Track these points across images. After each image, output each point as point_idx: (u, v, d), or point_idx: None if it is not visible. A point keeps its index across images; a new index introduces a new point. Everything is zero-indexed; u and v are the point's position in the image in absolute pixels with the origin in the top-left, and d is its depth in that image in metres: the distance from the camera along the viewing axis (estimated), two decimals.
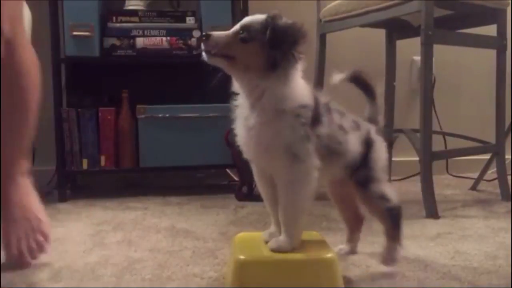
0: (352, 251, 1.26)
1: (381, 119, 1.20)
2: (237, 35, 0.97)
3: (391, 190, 1.14)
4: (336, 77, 1.15)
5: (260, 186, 1.07)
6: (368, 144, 1.12)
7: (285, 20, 0.97)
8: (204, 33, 0.97)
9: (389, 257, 1.14)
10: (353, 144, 1.08)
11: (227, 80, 1.03)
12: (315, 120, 1.00)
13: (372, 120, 1.18)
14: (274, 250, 0.99)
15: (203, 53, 0.97)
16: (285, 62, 0.95)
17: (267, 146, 0.97)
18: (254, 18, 0.98)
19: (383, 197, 1.12)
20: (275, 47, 0.94)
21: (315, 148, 0.99)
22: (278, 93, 0.96)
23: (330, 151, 1.03)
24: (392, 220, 1.13)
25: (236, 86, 1.02)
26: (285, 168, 0.97)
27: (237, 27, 0.98)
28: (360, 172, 1.10)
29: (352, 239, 1.27)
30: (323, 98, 1.05)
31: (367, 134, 1.12)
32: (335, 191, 1.22)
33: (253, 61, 0.96)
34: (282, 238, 1.00)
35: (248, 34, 0.96)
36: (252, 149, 1.00)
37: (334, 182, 1.18)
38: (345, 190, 1.17)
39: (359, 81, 1.17)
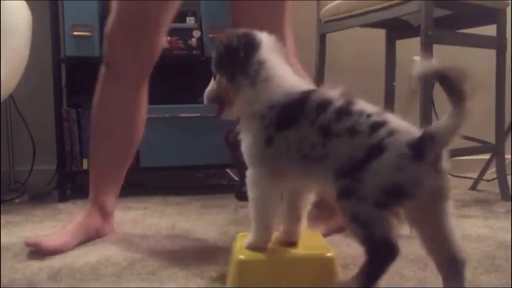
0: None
1: (454, 134, 0.85)
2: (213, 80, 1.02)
3: (377, 216, 0.85)
4: (420, 67, 0.88)
5: None
6: (373, 152, 0.85)
7: (221, 39, 0.99)
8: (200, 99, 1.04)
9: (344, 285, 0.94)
10: (339, 148, 0.88)
11: None
12: (285, 121, 0.93)
13: (434, 132, 0.84)
14: (246, 248, 1.01)
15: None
16: (240, 69, 0.96)
17: (243, 154, 1.01)
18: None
19: (358, 220, 0.86)
20: (220, 65, 0.99)
21: (280, 152, 0.94)
22: (246, 99, 0.97)
23: (303, 156, 0.91)
24: (371, 254, 0.86)
25: None
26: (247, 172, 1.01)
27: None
28: (344, 181, 0.86)
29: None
30: (324, 96, 0.93)
31: (379, 141, 0.85)
32: None
33: (226, 89, 0.99)
34: (249, 236, 1.02)
35: (213, 71, 1.01)
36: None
37: None
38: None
39: (447, 81, 0.86)
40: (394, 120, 0.88)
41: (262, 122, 0.95)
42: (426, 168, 0.84)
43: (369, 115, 0.88)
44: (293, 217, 1.04)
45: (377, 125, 0.86)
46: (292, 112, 0.93)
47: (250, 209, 1.01)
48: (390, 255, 0.86)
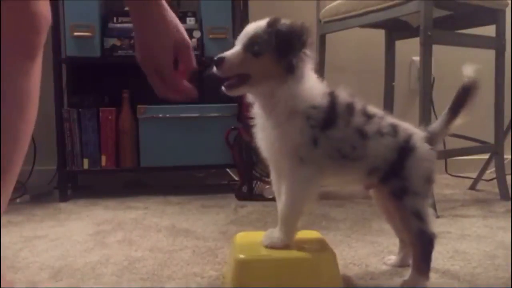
0: (402, 263, 1.16)
1: (445, 134, 1.10)
2: (247, 50, 0.96)
3: (429, 211, 1.03)
4: (469, 70, 1.11)
5: (275, 185, 1.07)
6: (405, 151, 1.02)
7: (284, 22, 0.97)
8: (216, 57, 0.96)
9: None
10: (375, 149, 1.00)
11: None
12: (328, 122, 0.97)
13: (435, 131, 1.08)
14: (266, 246, 1.00)
15: (223, 87, 0.97)
16: (300, 63, 0.96)
17: (278, 148, 0.98)
18: (257, 27, 0.97)
19: (418, 215, 1.01)
20: (286, 52, 0.94)
21: (325, 152, 0.97)
22: (292, 95, 0.96)
23: (343, 156, 0.99)
24: (423, 245, 1.02)
25: (250, 97, 1.02)
26: (291, 170, 0.98)
27: (244, 40, 0.97)
28: (395, 182, 1.01)
29: (402, 250, 1.17)
30: (345, 98, 1.01)
31: (405, 141, 1.02)
32: (379, 200, 1.12)
33: (269, 72, 0.96)
34: (276, 234, 1.01)
35: (259, 46, 0.95)
36: (266, 150, 1.02)
37: (377, 191, 1.10)
38: (386, 200, 1.07)
39: (466, 92, 1.09)
40: (396, 120, 1.05)
41: (308, 122, 0.96)
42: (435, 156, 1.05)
43: (382, 117, 1.03)
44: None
45: (395, 127, 1.03)
46: (332, 114, 0.98)
47: (286, 208, 1.00)
48: (433, 246, 1.03)
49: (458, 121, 1.07)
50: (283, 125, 0.97)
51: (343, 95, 1.01)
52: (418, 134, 1.05)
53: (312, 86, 0.98)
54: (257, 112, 1.02)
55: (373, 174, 1.02)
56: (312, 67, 0.99)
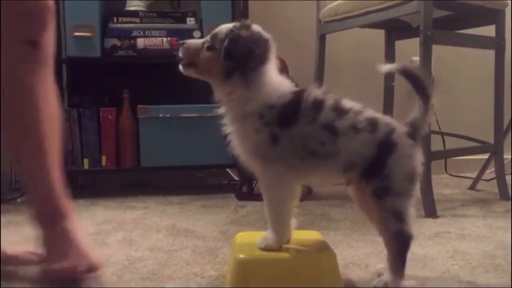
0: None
1: (427, 123, 1.04)
2: (204, 43, 1.02)
3: (410, 212, 0.99)
4: (384, 67, 1.05)
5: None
6: (385, 148, 0.98)
7: (248, 31, 0.99)
8: (181, 41, 1.04)
9: None
10: (349, 146, 0.97)
11: None
12: (287, 119, 0.97)
13: (415, 123, 1.02)
14: (262, 249, 1.00)
15: (180, 64, 1.03)
16: (241, 70, 0.97)
17: (241, 150, 1.01)
18: (225, 27, 1.01)
19: (398, 215, 0.98)
20: (229, 57, 0.97)
21: (288, 149, 0.97)
22: (241, 97, 0.98)
23: (311, 152, 0.97)
24: (399, 245, 0.99)
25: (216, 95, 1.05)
26: (259, 169, 1.01)
27: (209, 35, 1.02)
28: (376, 181, 0.98)
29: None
30: (315, 95, 0.99)
31: (386, 136, 0.98)
32: (359, 199, 1.07)
33: (211, 69, 1.01)
34: (268, 235, 1.02)
35: (213, 43, 1.00)
36: (236, 149, 1.04)
37: (357, 189, 1.05)
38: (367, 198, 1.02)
39: (411, 76, 1.02)
40: (377, 114, 1.02)
41: (261, 120, 0.97)
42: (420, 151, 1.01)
43: (359, 112, 0.99)
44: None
45: (374, 122, 0.99)
46: (293, 111, 0.97)
47: (267, 208, 1.01)
48: (410, 242, 1.00)
49: (434, 100, 1.02)
50: (240, 127, 1.00)
51: (315, 92, 1.00)
52: (399, 128, 1.00)
53: (267, 88, 0.99)
54: (221, 110, 1.05)
55: (351, 171, 0.99)
56: (271, 70, 1.00)
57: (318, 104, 0.98)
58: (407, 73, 1.03)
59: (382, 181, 0.97)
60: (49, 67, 1.12)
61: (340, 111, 0.98)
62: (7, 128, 1.12)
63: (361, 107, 1.01)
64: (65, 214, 1.13)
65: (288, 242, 1.03)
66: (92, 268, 1.07)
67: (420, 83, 1.02)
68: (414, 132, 1.01)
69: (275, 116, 0.97)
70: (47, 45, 1.09)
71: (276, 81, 1.01)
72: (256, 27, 1.01)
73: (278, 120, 0.97)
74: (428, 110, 1.02)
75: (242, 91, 0.98)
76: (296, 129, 0.97)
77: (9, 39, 1.05)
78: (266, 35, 1.01)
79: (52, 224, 1.11)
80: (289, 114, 0.97)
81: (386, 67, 1.04)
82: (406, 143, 0.99)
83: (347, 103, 1.00)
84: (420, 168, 1.01)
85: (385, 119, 1.02)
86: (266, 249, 1.00)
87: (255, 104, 0.98)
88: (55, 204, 1.13)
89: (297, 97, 0.99)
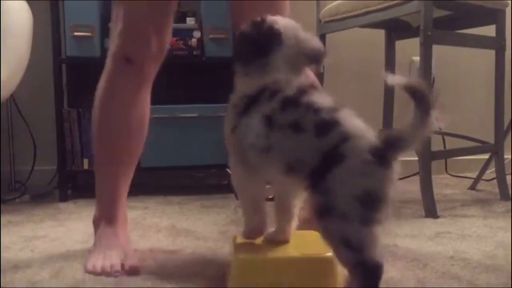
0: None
1: (417, 140, 0.84)
2: None
3: (370, 237, 0.81)
4: (392, 79, 0.82)
5: None
6: (331, 158, 0.81)
7: (251, 27, 0.97)
8: None
9: None
10: (284, 144, 0.86)
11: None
12: (245, 109, 0.91)
13: (398, 137, 0.82)
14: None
15: None
16: (241, 61, 0.97)
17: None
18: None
19: (347, 243, 0.81)
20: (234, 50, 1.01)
21: (238, 140, 0.93)
22: (237, 87, 0.97)
23: (251, 145, 0.90)
24: (365, 279, 0.82)
25: None
26: None
27: None
28: (318, 195, 0.83)
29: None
30: (284, 87, 0.89)
31: (335, 145, 0.81)
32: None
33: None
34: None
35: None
36: None
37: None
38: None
39: (415, 93, 0.81)
40: (348, 119, 0.84)
41: (233, 110, 0.95)
42: (391, 172, 0.82)
43: (316, 111, 0.84)
44: (284, 215, 1.03)
45: (325, 125, 0.83)
46: (252, 101, 0.91)
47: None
48: (379, 277, 0.82)
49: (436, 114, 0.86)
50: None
51: (293, 85, 0.89)
52: (358, 141, 0.81)
53: (263, 80, 0.92)
54: None
55: (291, 174, 0.87)
56: (283, 67, 0.93)
57: (272, 94, 0.88)
58: (413, 92, 0.81)
59: (323, 196, 0.81)
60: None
61: (286, 104, 0.86)
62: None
63: (332, 106, 0.86)
64: (121, 221, 1.30)
65: (287, 242, 1.03)
66: (131, 271, 1.15)
67: (424, 103, 0.82)
68: (387, 148, 0.81)
69: (242, 106, 0.93)
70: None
71: (282, 73, 0.91)
72: (273, 20, 0.95)
73: (241, 110, 0.93)
74: (426, 128, 0.83)
75: (239, 81, 0.97)
76: (245, 119, 0.91)
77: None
78: (282, 28, 0.93)
79: (105, 227, 1.28)
80: (248, 103, 0.91)
81: (394, 80, 0.82)
82: (358, 159, 0.80)
83: (312, 98, 0.87)
84: (384, 192, 0.81)
85: (352, 126, 0.83)
86: (243, 238, 1.04)
87: (237, 94, 0.96)
88: (115, 212, 1.30)
89: (265, 88, 0.91)
